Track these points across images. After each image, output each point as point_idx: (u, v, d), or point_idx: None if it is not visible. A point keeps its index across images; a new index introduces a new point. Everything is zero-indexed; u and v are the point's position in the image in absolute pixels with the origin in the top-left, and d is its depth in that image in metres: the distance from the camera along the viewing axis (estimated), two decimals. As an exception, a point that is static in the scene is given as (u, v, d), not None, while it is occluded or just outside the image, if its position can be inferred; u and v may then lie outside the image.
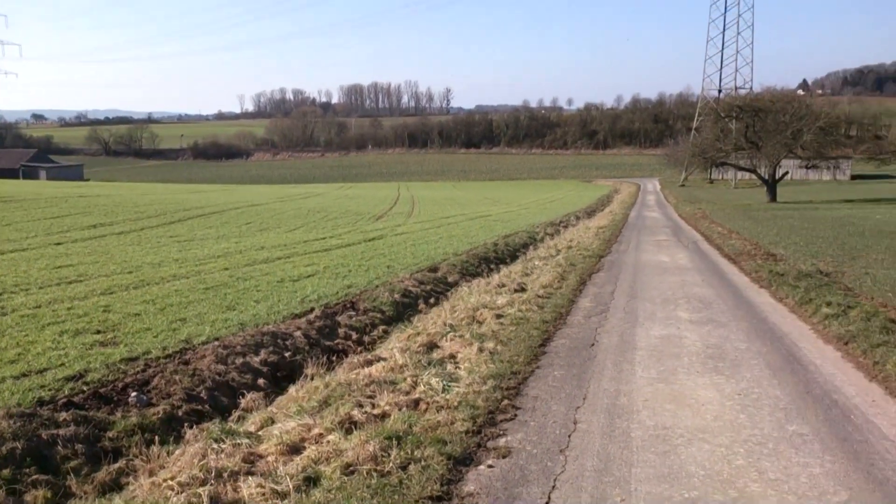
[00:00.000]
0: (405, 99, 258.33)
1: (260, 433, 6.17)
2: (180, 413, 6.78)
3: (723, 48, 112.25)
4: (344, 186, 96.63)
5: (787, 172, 61.79)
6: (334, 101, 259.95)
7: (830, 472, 5.54)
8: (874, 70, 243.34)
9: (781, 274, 15.21)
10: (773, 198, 53.63)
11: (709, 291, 14.37)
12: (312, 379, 8.05)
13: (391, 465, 5.33)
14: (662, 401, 7.31)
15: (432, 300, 13.70)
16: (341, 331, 10.78)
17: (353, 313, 11.57)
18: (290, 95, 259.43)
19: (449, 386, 7.38)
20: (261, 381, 8.19)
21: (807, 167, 61.66)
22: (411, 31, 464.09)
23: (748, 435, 6.32)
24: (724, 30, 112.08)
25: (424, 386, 7.34)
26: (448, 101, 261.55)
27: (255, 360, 8.60)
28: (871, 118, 66.77)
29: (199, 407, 7.00)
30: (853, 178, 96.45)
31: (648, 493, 5.16)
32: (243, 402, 7.40)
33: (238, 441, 5.79)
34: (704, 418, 6.77)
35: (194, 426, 6.36)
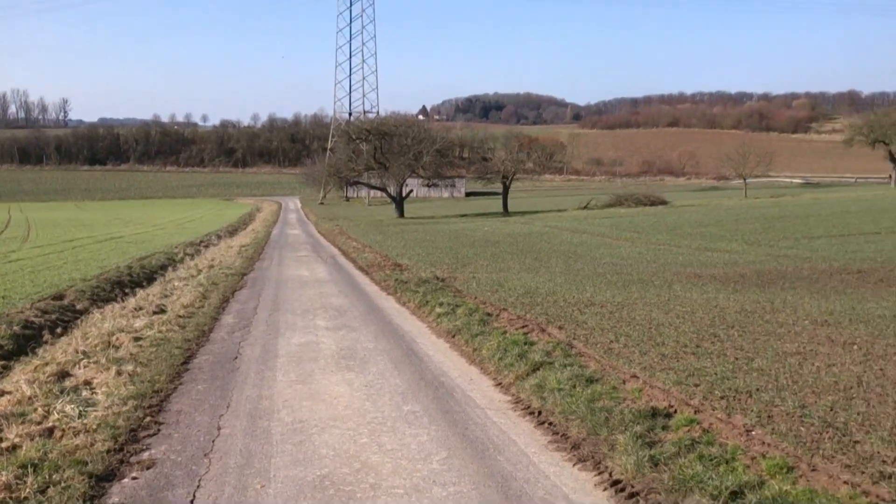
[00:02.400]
0: (13, 109, 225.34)
1: None
2: None
3: (350, 74, 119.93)
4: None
5: (412, 190, 68.09)
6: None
7: (435, 438, 6.79)
8: (481, 99, 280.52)
9: (405, 281, 17.15)
10: (401, 214, 58.78)
11: (344, 301, 15.68)
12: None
13: (28, 490, 5.20)
14: (301, 399, 8.09)
15: (60, 329, 12.76)
16: (-53, 371, 9.61)
17: (-40, 351, 10.35)
18: None
19: (86, 411, 7.23)
20: None
21: (428, 185, 69.08)
22: (13, 34, 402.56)
23: (372, 418, 7.38)
24: (350, 57, 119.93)
25: (59, 413, 7.08)
26: (66, 112, 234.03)
27: None
28: (479, 142, 76.26)
29: None
30: (468, 195, 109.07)
31: (286, 476, 5.83)
32: None
33: None
34: (336, 409, 7.69)
35: None
